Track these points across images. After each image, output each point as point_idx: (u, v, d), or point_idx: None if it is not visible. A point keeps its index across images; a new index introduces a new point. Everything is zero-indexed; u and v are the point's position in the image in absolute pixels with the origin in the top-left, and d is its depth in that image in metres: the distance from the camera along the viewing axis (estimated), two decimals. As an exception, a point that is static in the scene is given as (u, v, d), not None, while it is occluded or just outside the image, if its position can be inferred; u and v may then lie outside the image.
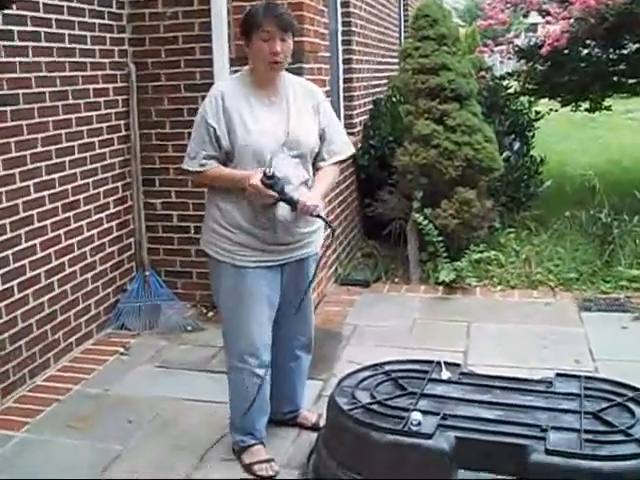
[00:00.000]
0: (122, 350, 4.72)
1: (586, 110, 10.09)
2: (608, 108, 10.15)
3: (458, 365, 3.49)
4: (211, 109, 3.10)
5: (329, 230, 3.30)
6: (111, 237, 5.04)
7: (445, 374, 3.36)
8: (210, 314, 5.27)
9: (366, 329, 5.06)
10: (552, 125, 9.14)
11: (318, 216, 3.13)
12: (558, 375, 3.36)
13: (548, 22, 7.44)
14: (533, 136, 8.37)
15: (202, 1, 4.94)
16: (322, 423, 3.49)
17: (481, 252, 6.12)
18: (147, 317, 5.07)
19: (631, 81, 9.52)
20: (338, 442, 3.05)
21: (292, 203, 3.06)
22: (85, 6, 4.66)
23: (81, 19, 4.63)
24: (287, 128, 3.10)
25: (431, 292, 5.86)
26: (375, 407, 3.03)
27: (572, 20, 6.78)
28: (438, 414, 2.95)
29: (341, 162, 3.40)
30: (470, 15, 22.08)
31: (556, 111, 9.87)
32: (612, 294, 5.72)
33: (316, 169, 3.28)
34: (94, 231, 4.85)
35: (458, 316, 5.31)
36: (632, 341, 4.82)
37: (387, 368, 3.41)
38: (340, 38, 6.63)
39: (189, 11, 5.01)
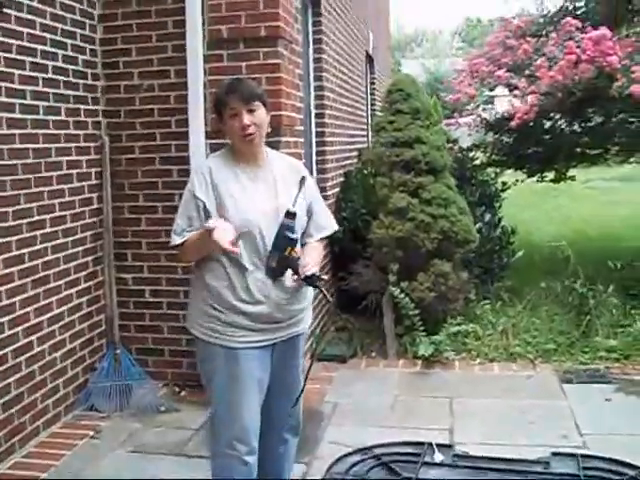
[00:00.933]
0: (92, 433, 4.51)
1: (551, 181, 10.21)
2: (572, 178, 10.27)
3: (450, 446, 3.38)
4: (199, 184, 3.02)
5: (324, 298, 3.14)
6: (81, 313, 4.88)
7: (438, 457, 3.25)
8: (183, 393, 5.11)
9: (346, 407, 4.91)
10: (515, 195, 9.22)
11: (317, 279, 2.98)
12: (554, 454, 3.27)
13: (515, 96, 7.54)
14: (500, 207, 8.44)
15: (178, 74, 4.91)
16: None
17: (458, 325, 6.06)
18: (118, 397, 4.88)
19: (594, 152, 9.69)
20: (331, 533, 2.89)
21: (294, 263, 2.94)
22: (60, 78, 4.60)
23: (56, 90, 4.56)
24: (276, 203, 3.01)
25: (409, 367, 5.75)
26: (370, 494, 2.89)
27: (540, 95, 6.87)
28: (436, 500, 2.82)
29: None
30: (431, 88, 22.53)
31: (522, 182, 9.97)
32: (591, 365, 5.67)
33: (302, 245, 3.19)
34: (64, 308, 4.68)
35: (439, 392, 5.19)
36: (617, 413, 4.75)
37: (377, 452, 3.29)
38: (313, 112, 6.64)
39: (165, 84, 4.98)
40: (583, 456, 3.24)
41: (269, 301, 2.99)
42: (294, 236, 2.95)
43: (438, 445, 3.34)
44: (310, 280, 2.94)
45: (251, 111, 3.00)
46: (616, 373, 5.47)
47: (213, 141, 4.86)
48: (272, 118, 4.69)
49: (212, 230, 2.82)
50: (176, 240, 3.05)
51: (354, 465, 3.14)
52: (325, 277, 3.02)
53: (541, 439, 4.25)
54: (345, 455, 3.25)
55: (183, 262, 3.69)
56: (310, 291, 3.21)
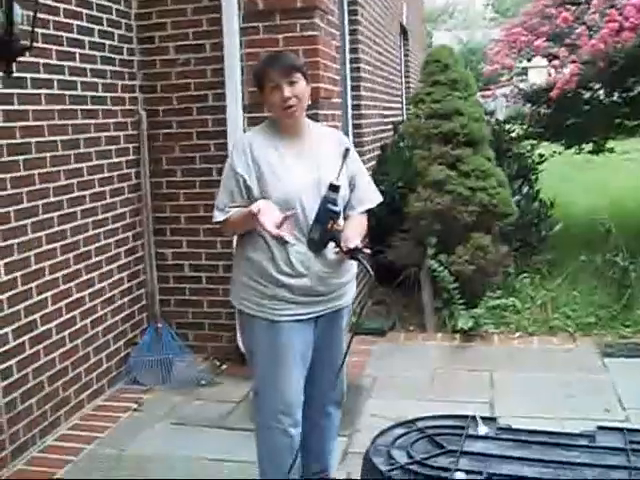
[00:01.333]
0: (135, 406, 4.56)
1: (589, 152, 10.08)
2: (611, 150, 10.15)
3: (494, 419, 3.33)
4: (239, 159, 3.01)
5: (367, 272, 3.10)
6: (122, 289, 4.91)
7: (482, 429, 3.20)
8: (223, 367, 5.13)
9: (386, 381, 4.91)
10: (551, 167, 9.11)
11: (359, 252, 2.95)
12: (599, 428, 3.20)
13: (554, 67, 7.42)
14: (537, 179, 8.34)
15: (215, 48, 4.89)
16: (352, 483, 3.34)
17: (497, 298, 6.00)
18: (159, 371, 4.93)
19: (634, 123, 9.53)
20: (376, 505, 2.88)
21: (337, 236, 2.91)
22: (97, 53, 4.61)
23: (93, 66, 4.57)
24: (318, 175, 2.99)
25: (448, 340, 5.73)
26: (414, 467, 2.86)
27: (580, 64, 6.75)
28: (481, 473, 2.79)
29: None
30: (464, 60, 22.22)
31: (559, 154, 9.85)
32: (633, 339, 5.60)
33: (344, 218, 3.16)
34: (105, 283, 4.72)
35: (479, 365, 5.17)
36: (660, 388, 4.69)
37: (420, 425, 3.24)
38: (349, 84, 6.58)
39: (201, 58, 4.96)
40: (629, 430, 3.17)
41: (311, 274, 2.98)
42: (337, 209, 2.93)
43: (482, 418, 3.30)
44: (352, 253, 2.91)
45: (292, 83, 2.97)
46: (658, 347, 5.42)
47: (251, 115, 4.85)
48: (311, 90, 4.74)
49: (256, 214, 2.80)
50: (219, 217, 3.05)
51: (398, 438, 3.10)
52: (368, 250, 2.99)
53: (583, 413, 4.22)
54: (389, 428, 3.21)
55: (226, 235, 3.57)
56: (354, 265, 3.18)
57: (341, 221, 3.01)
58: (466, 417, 3.31)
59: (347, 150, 3.13)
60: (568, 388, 4.69)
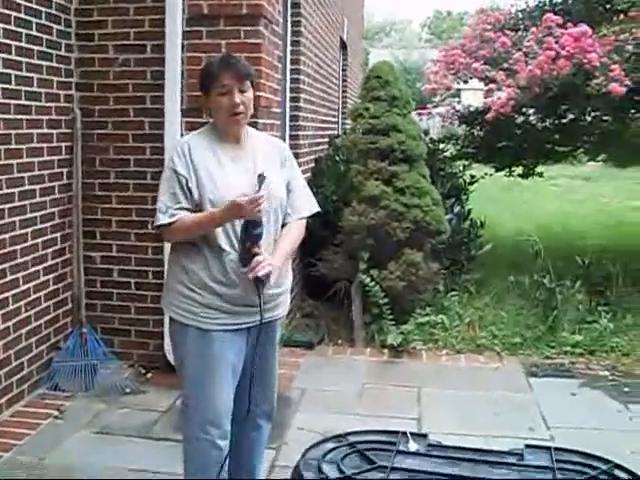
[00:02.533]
0: (56, 413, 4.41)
1: (519, 175, 10.28)
2: (540, 174, 10.36)
3: (425, 436, 3.34)
4: (180, 161, 2.94)
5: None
6: (47, 291, 4.77)
7: (412, 446, 3.20)
8: (149, 375, 5.02)
9: (315, 394, 4.88)
10: (480, 189, 9.27)
11: (261, 283, 2.91)
12: (527, 446, 3.24)
13: (490, 90, 7.54)
14: (468, 199, 8.46)
15: (156, 49, 4.80)
16: (279, 497, 3.29)
17: (427, 315, 6.05)
18: (83, 377, 4.79)
19: (563, 149, 9.77)
20: (305, 520, 2.85)
21: (250, 257, 2.86)
22: (33, 47, 4.47)
23: (29, 60, 4.43)
24: (255, 181, 2.95)
25: (377, 355, 5.73)
26: (345, 482, 2.84)
27: (517, 88, 6.87)
28: (412, 490, 2.78)
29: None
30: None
31: (490, 175, 10.01)
32: (557, 359, 5.70)
33: (282, 225, 3.13)
34: (30, 284, 4.57)
35: (407, 381, 5.18)
36: (583, 408, 4.79)
37: (351, 439, 3.22)
38: (289, 94, 6.56)
39: (141, 59, 4.87)
40: (556, 449, 3.22)
41: (244, 283, 2.93)
42: (256, 231, 2.87)
43: (412, 434, 3.30)
44: (256, 281, 2.88)
45: (242, 91, 2.93)
46: (581, 368, 5.52)
47: (189, 119, 4.78)
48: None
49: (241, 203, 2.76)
50: (162, 219, 2.93)
51: (329, 452, 3.08)
52: (271, 283, 2.93)
53: (508, 431, 4.28)
54: (319, 442, 3.19)
55: (166, 240, 3.37)
56: (289, 276, 3.16)
57: (265, 242, 2.94)
58: (397, 433, 3.30)
59: (285, 156, 3.12)
60: (494, 406, 4.74)
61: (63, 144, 4.86)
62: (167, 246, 3.24)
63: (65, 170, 4.89)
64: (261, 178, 2.82)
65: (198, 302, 2.93)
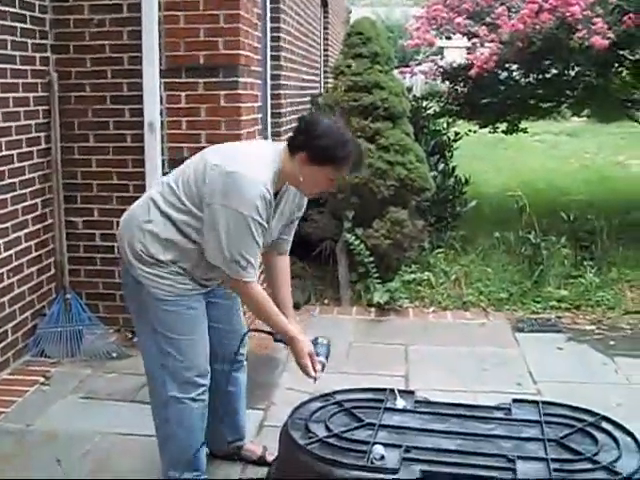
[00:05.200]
0: (43, 380, 4.38)
1: (503, 132, 10.26)
2: (524, 130, 10.36)
3: (412, 393, 3.34)
4: (266, 212, 2.78)
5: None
6: (30, 257, 4.71)
7: (400, 403, 3.20)
8: (135, 339, 4.97)
9: (302, 353, 4.86)
10: (464, 146, 9.25)
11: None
12: (515, 401, 3.25)
13: (473, 44, 7.47)
14: (452, 156, 8.44)
15: (132, 9, 4.69)
16: (268, 456, 3.29)
17: (412, 273, 6.05)
18: (68, 343, 4.76)
19: (546, 105, 9.73)
20: (295, 479, 2.84)
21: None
22: (6, 8, 4.35)
23: (2, 22, 4.32)
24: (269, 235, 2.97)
25: (364, 314, 5.74)
26: (333, 441, 2.83)
27: (499, 43, 6.81)
28: (400, 446, 2.78)
29: None
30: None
31: (474, 132, 9.98)
32: (543, 314, 5.73)
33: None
34: (12, 251, 4.51)
35: (394, 338, 5.20)
36: (569, 362, 4.83)
37: (338, 398, 3.22)
38: (269, 53, 6.47)
39: (117, 19, 4.76)
40: (543, 402, 3.23)
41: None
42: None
43: (399, 391, 3.30)
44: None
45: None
46: (567, 323, 5.56)
47: (168, 80, 4.71)
48: (229, 57, 4.63)
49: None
50: (252, 275, 2.84)
51: (316, 411, 3.07)
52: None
53: (496, 386, 4.30)
54: (306, 401, 3.19)
55: (243, 298, 3.06)
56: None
57: None
58: (384, 390, 3.30)
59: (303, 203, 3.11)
60: (481, 362, 4.76)
61: (40, 108, 4.76)
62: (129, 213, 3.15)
63: (43, 134, 4.80)
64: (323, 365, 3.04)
65: (169, 271, 2.93)
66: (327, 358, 3.07)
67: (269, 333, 3.13)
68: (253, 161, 2.81)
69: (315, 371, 2.97)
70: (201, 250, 2.87)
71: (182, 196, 2.87)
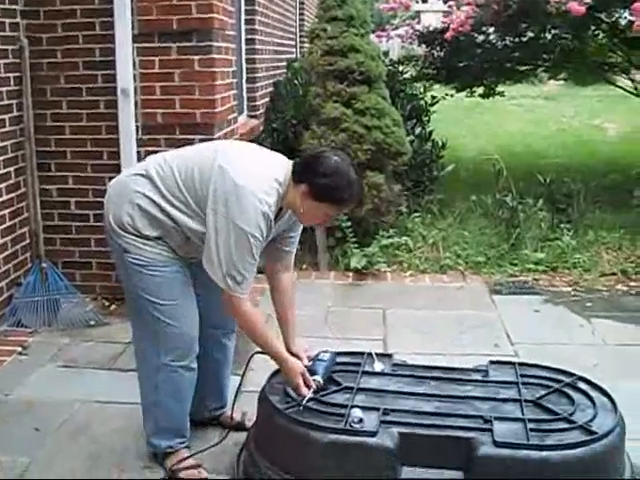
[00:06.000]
0: (20, 349, 4.35)
1: (480, 96, 10.25)
2: (501, 94, 10.34)
3: (390, 356, 3.36)
4: (266, 229, 2.76)
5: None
6: (4, 227, 4.66)
7: (378, 366, 3.22)
8: (112, 307, 4.98)
9: (280, 319, 4.86)
10: (441, 111, 9.22)
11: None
12: (492, 363, 3.28)
13: (451, 7, 7.42)
14: (429, 121, 8.41)
15: (102, -29, 4.61)
16: (247, 422, 3.30)
17: (390, 237, 6.04)
18: (45, 312, 4.73)
19: (523, 68, 9.72)
20: (273, 443, 2.87)
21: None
22: (-26, -27, 4.27)
23: (-31, -13, 4.23)
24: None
25: (341, 279, 5.74)
26: (311, 404, 2.85)
27: (475, 6, 6.77)
28: (378, 409, 2.81)
29: None
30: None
31: (451, 96, 9.96)
32: (520, 277, 5.77)
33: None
34: (-15, 220, 4.47)
35: (372, 303, 5.21)
36: (546, 323, 4.87)
37: (317, 361, 3.23)
38: (244, 17, 6.39)
39: (88, -18, 4.67)
40: (520, 364, 3.26)
41: None
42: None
43: (377, 355, 3.32)
44: None
45: None
46: (544, 285, 5.60)
47: (141, 45, 4.64)
48: (203, 21, 4.56)
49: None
50: (245, 291, 2.81)
51: (294, 376, 3.09)
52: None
53: (474, 349, 4.33)
54: (284, 366, 3.21)
55: (235, 314, 2.96)
56: None
57: None
58: (362, 354, 3.32)
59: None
60: (459, 325, 4.79)
61: (11, 75, 4.68)
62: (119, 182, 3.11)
63: (15, 102, 4.72)
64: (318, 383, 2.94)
65: (158, 246, 2.92)
66: (325, 374, 2.99)
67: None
68: (263, 179, 2.77)
69: (309, 389, 2.88)
70: (187, 236, 2.88)
71: (182, 186, 2.84)
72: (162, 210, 2.86)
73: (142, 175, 2.93)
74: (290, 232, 3.08)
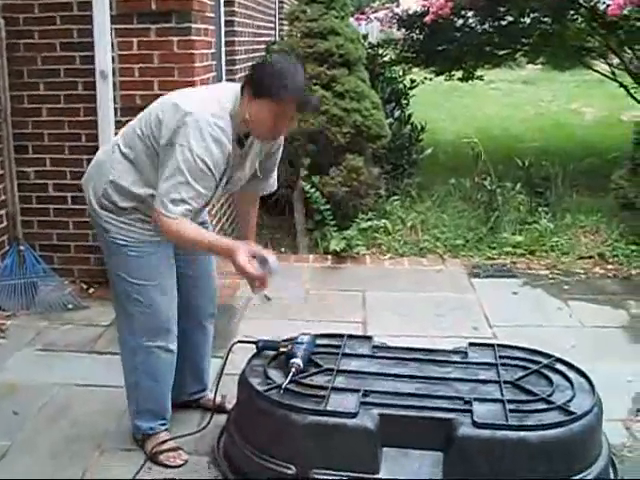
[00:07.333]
0: (-2, 333, 4.34)
1: (459, 79, 10.26)
2: (480, 78, 10.37)
3: (369, 338, 3.38)
4: (219, 161, 2.70)
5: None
6: (-20, 209, 4.62)
7: (358, 348, 3.23)
8: (91, 290, 4.96)
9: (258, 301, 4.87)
10: (420, 94, 9.23)
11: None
12: (471, 345, 3.30)
13: (429, -10, 7.42)
14: (408, 104, 8.42)
15: (80, -49, 4.55)
16: (227, 404, 3.30)
17: (369, 220, 6.05)
18: (23, 295, 4.70)
19: (502, 52, 9.74)
20: (253, 425, 2.87)
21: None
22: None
23: (-57, -34, 4.16)
24: (233, 176, 2.91)
25: (321, 261, 5.74)
26: (291, 386, 2.85)
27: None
28: (358, 391, 2.82)
29: None
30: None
31: (430, 80, 9.97)
32: (498, 260, 5.80)
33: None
34: (-38, 202, 4.42)
35: (351, 285, 5.22)
36: (524, 306, 4.91)
37: (296, 344, 3.24)
38: (222, -1, 6.35)
39: (65, -38, 4.61)
40: (499, 345, 3.29)
41: None
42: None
43: (357, 337, 3.33)
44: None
45: (292, 119, 2.80)
46: (522, 268, 5.63)
47: (119, 26, 4.59)
48: (182, 2, 4.53)
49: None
50: (174, 211, 2.66)
51: (274, 358, 3.09)
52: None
53: (453, 331, 4.36)
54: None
55: (167, 235, 2.81)
56: None
57: None
58: (342, 336, 3.33)
59: (277, 149, 3.09)
60: (438, 307, 4.81)
61: (-13, 55, 4.63)
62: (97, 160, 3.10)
63: (-9, 83, 4.68)
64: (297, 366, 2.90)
65: (133, 218, 2.90)
66: (305, 357, 2.96)
67: (254, 342, 3.14)
68: (212, 101, 2.74)
69: (261, 281, 2.81)
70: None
71: (142, 135, 2.82)
72: (131, 170, 2.85)
73: (110, 148, 2.96)
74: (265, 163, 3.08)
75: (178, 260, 3.04)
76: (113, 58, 4.64)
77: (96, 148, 4.57)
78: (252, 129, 2.79)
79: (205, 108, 2.70)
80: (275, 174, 3.24)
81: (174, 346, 3.06)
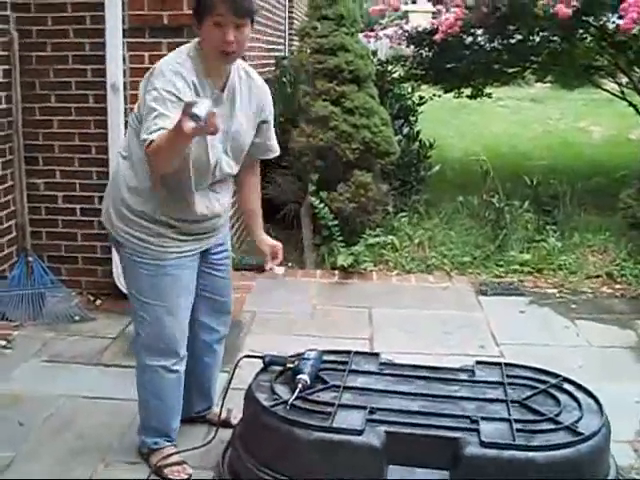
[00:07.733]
0: (4, 343, 4.33)
1: (468, 97, 10.28)
2: (489, 95, 10.38)
3: (376, 355, 3.37)
4: (184, 88, 2.65)
5: None
6: (-10, 220, 4.63)
7: (365, 365, 3.22)
8: (98, 302, 4.96)
9: (266, 316, 4.88)
10: (428, 111, 9.25)
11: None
12: (478, 363, 3.29)
13: (438, 10, 7.44)
14: (417, 120, 8.44)
15: (94, -34, 4.59)
16: (233, 419, 3.30)
17: (377, 236, 6.04)
18: (30, 306, 4.70)
19: (511, 70, 9.76)
20: (259, 441, 2.86)
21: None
22: (-37, -36, 4.23)
23: (-42, -22, 4.20)
24: (229, 130, 2.84)
25: (327, 277, 5.74)
26: (298, 402, 2.85)
27: (464, 8, 6.79)
28: (365, 408, 2.81)
29: None
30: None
31: (439, 97, 9.98)
32: (506, 278, 5.78)
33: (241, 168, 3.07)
34: (-28, 213, 4.43)
35: (358, 302, 5.21)
36: (531, 325, 4.88)
37: (303, 360, 3.23)
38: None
39: (79, -24, 4.65)
40: (506, 364, 3.27)
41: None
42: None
43: (364, 353, 3.33)
44: None
45: (239, 27, 2.66)
46: (529, 286, 5.60)
47: (131, 40, 4.63)
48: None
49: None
50: (154, 136, 2.55)
51: (281, 373, 3.09)
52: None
53: (459, 349, 4.35)
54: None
55: (153, 160, 2.69)
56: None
57: None
58: (349, 352, 3.32)
59: (264, 105, 3.01)
60: (445, 325, 4.80)
61: (0, 67, 4.65)
62: (112, 172, 3.13)
63: (4, 94, 4.69)
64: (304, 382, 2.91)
65: (150, 230, 2.88)
66: (312, 373, 2.96)
67: (260, 357, 3.13)
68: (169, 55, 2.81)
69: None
70: (164, 182, 2.80)
71: (134, 125, 2.86)
72: (131, 164, 2.87)
73: (117, 157, 3.00)
74: (256, 138, 3.04)
75: (195, 279, 3.04)
76: (124, 71, 4.67)
77: (106, 160, 4.64)
78: (207, 54, 2.74)
79: (164, 60, 2.77)
80: (274, 139, 3.15)
81: (179, 367, 3.05)
